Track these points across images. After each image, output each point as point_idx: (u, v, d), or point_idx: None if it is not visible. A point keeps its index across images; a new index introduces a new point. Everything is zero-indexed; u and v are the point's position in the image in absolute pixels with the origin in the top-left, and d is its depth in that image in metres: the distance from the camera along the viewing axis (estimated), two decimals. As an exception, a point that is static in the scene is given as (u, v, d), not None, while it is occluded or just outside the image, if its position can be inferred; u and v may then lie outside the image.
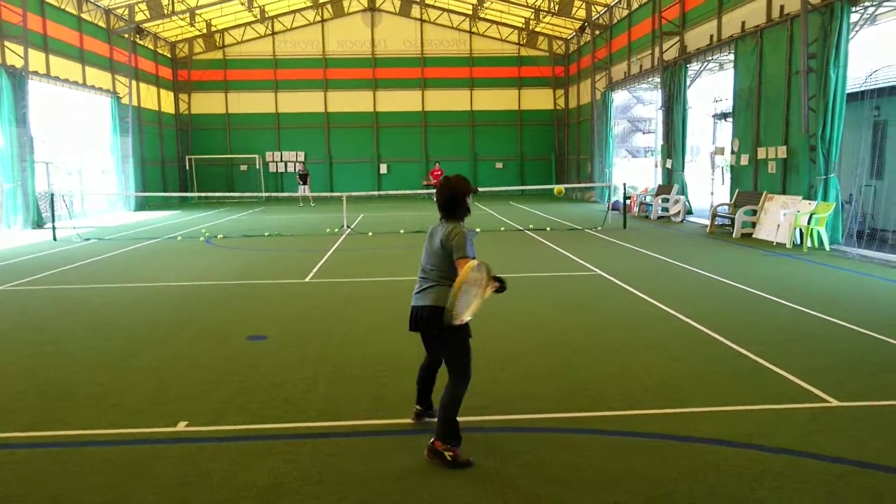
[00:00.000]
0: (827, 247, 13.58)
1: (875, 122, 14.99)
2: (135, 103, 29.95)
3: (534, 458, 4.33)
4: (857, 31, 14.12)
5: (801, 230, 13.99)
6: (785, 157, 15.98)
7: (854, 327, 7.45)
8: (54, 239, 17.60)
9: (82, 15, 26.41)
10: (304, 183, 30.58)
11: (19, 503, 3.87)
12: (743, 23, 17.99)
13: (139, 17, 29.01)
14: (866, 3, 13.55)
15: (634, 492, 3.88)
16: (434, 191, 22.62)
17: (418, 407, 4.91)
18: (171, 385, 5.90)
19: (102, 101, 27.71)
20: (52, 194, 19.58)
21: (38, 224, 21.44)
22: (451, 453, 4.20)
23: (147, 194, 28.82)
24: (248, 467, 4.26)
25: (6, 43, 20.97)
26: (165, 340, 7.45)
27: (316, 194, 29.00)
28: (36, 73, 22.55)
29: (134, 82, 29.85)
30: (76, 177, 27.21)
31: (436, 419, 4.40)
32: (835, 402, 5.21)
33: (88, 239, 17.84)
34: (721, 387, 5.64)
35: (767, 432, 4.65)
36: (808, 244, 13.66)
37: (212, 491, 3.97)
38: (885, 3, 13.60)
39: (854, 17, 13.85)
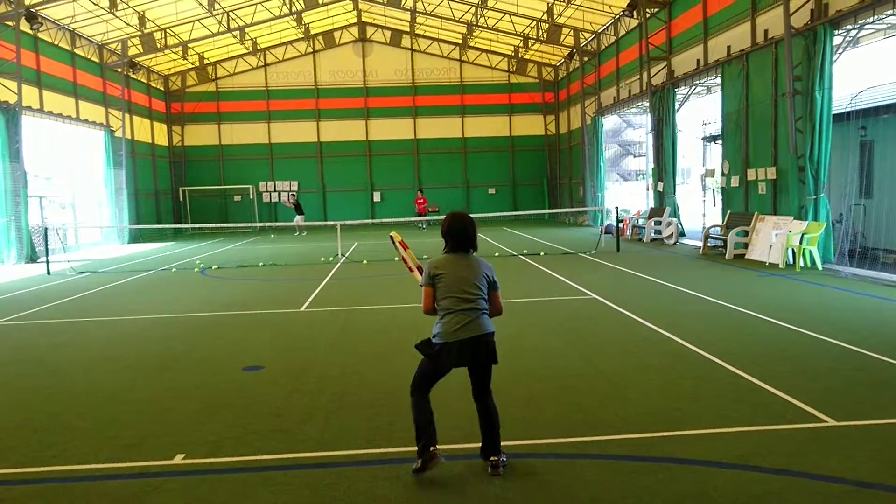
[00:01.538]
0: (819, 266, 13.67)
1: (862, 142, 15.19)
2: (128, 136, 30.10)
3: (531, 483, 4.32)
4: (840, 54, 14.37)
5: (793, 250, 14.09)
6: (774, 177, 16.14)
7: (849, 346, 7.48)
8: (48, 273, 17.55)
9: (75, 50, 26.63)
10: (300, 213, 30.73)
11: (15, 541, 3.83)
12: (728, 47, 18.29)
13: (132, 51, 29.28)
14: (848, 26, 13.81)
15: (634, 516, 3.87)
16: (424, 218, 22.50)
17: (434, 449, 4.42)
18: (167, 417, 5.88)
19: (96, 134, 27.83)
20: (46, 228, 19.57)
21: (32, 258, 21.38)
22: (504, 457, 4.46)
23: (141, 226, 28.83)
24: (246, 499, 4.23)
25: (0, 79, 21.10)
26: (161, 372, 7.43)
27: (309, 223, 29.08)
28: (29, 108, 22.66)
29: (127, 115, 30.03)
30: (70, 210, 27.22)
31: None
32: (832, 422, 5.22)
33: (83, 272, 17.80)
34: (717, 408, 5.65)
35: (764, 453, 4.65)
36: (801, 264, 13.75)
37: (210, 524, 3.94)
38: (866, 26, 13.86)
39: (837, 40, 14.10)
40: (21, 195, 21.23)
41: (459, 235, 4.59)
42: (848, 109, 14.85)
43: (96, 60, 28.38)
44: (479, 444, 4.97)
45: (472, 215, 4.96)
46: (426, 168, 37.60)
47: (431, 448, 4.40)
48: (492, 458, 4.47)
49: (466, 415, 5.67)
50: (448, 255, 4.61)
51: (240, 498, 4.26)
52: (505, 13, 29.50)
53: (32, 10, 21.36)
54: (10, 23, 21.23)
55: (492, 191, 37.89)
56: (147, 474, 4.68)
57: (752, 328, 8.63)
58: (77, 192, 27.36)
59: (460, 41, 35.86)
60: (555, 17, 28.42)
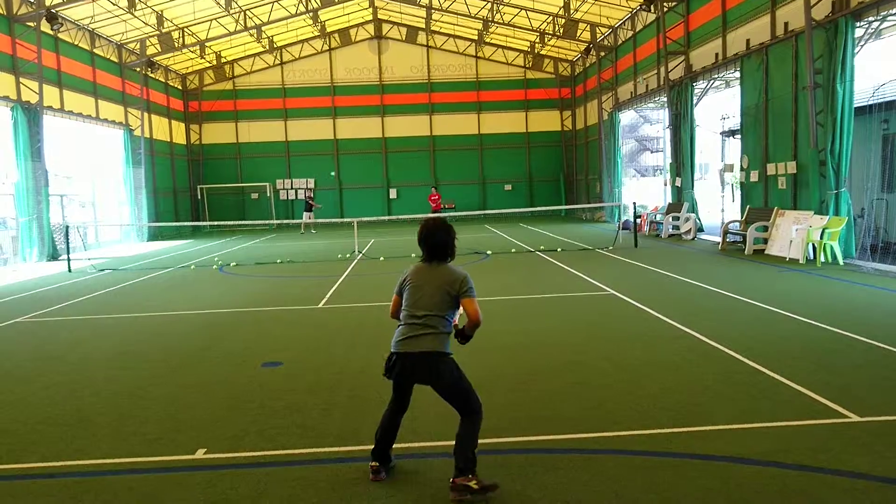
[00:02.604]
0: (840, 261, 13.51)
1: (884, 136, 14.98)
2: (147, 135, 30.37)
3: (553, 479, 4.31)
4: (862, 46, 14.16)
5: (813, 245, 13.93)
6: (795, 172, 15.96)
7: (871, 342, 7.39)
8: (69, 270, 17.77)
9: (95, 50, 26.90)
10: (309, 210, 30.63)
11: (42, 533, 3.88)
12: (748, 40, 18.09)
13: (150, 50, 29.53)
14: (870, 18, 13.61)
15: (655, 511, 3.85)
16: (439, 215, 22.53)
17: (376, 463, 4.39)
18: (188, 413, 5.93)
19: (115, 133, 28.12)
20: (67, 226, 19.81)
21: (54, 256, 21.66)
22: (475, 482, 4.03)
23: (160, 224, 29.11)
24: (267, 493, 4.26)
25: (21, 79, 21.37)
26: (182, 368, 7.49)
27: (326, 220, 29.15)
28: (50, 108, 22.94)
29: (146, 115, 30.30)
30: (90, 209, 27.53)
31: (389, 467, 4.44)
32: (855, 418, 5.16)
33: (103, 270, 18.00)
34: (738, 404, 5.60)
35: (787, 449, 4.61)
36: (822, 259, 13.59)
37: (232, 518, 3.97)
38: (889, 17, 13.65)
39: (859, 32, 13.90)
40: (42, 194, 21.51)
41: (430, 244, 4.38)
42: (870, 102, 14.65)
43: (115, 60, 28.65)
44: (497, 440, 4.98)
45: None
46: (442, 164, 37.60)
47: (371, 462, 4.40)
48: (452, 480, 4.13)
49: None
50: (420, 264, 4.45)
51: (261, 492, 4.28)
52: (521, 9, 29.38)
53: (53, 10, 21.59)
54: (31, 23, 21.49)
55: (508, 187, 37.82)
56: (169, 469, 4.73)
57: (773, 324, 8.54)
58: (97, 190, 27.66)
59: (476, 37, 35.79)
60: (571, 11, 28.27)
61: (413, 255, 18.68)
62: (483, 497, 4.04)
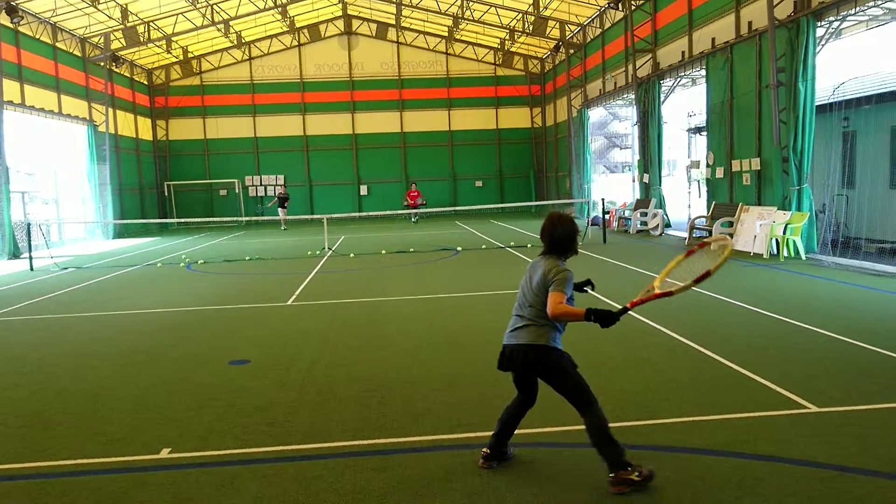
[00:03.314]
0: (803, 256, 13.80)
1: (844, 133, 15.32)
2: (112, 131, 29.80)
3: (520, 472, 4.35)
4: (823, 46, 14.47)
5: (777, 240, 14.21)
6: (759, 168, 16.26)
7: (832, 334, 7.57)
8: (31, 269, 17.38)
9: (57, 44, 26.32)
10: (283, 206, 30.34)
11: (0, 537, 3.81)
12: (713, 39, 18.37)
13: (115, 45, 28.96)
14: (831, 18, 13.90)
15: (622, 502, 3.90)
16: (414, 211, 22.28)
17: (487, 450, 4.45)
18: (153, 412, 5.85)
19: (79, 129, 27.55)
20: (29, 224, 19.37)
21: (15, 254, 21.16)
22: (636, 473, 4.01)
23: (126, 221, 28.58)
24: (232, 492, 4.23)
25: (-20, 73, 20.83)
26: (147, 367, 7.39)
27: (294, 217, 28.92)
28: (10, 102, 22.38)
29: (110, 110, 29.73)
30: (53, 206, 26.96)
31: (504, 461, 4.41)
32: (814, 409, 5.29)
33: (66, 268, 17.65)
34: (703, 397, 5.70)
35: (749, 440, 4.71)
36: (785, 254, 13.87)
37: (197, 517, 3.93)
38: (849, 17, 13.96)
39: (820, 32, 14.20)
40: (3, 191, 20.99)
41: (553, 237, 4.36)
42: (830, 101, 14.97)
43: (78, 54, 28.06)
44: (467, 435, 5.00)
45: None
46: (413, 161, 37.53)
47: (484, 448, 4.41)
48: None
49: (456, 407, 5.69)
50: (537, 258, 4.43)
51: (227, 491, 4.25)
52: (491, 6, 29.43)
53: (12, 3, 21.06)
54: (-11, 16, 20.95)
55: (479, 183, 37.90)
56: (133, 469, 4.66)
57: (738, 318, 8.70)
58: (60, 187, 27.09)
59: (446, 34, 35.77)
60: (540, 9, 28.40)
61: (383, 251, 18.64)
62: (644, 487, 4.02)
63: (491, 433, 4.51)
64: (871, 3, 12.93)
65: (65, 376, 7.17)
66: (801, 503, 3.82)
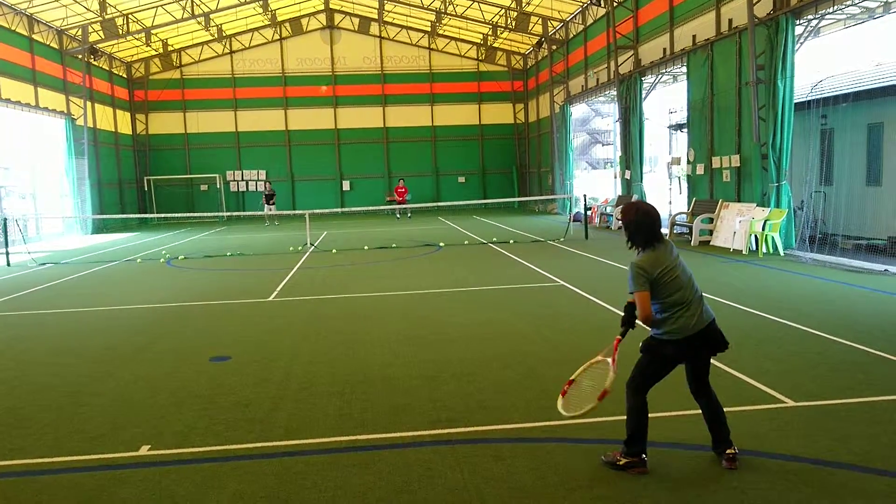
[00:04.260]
0: (781, 252, 13.97)
1: (822, 130, 15.51)
2: (90, 125, 29.42)
3: (500, 468, 4.37)
4: (802, 44, 14.62)
5: (756, 236, 14.36)
6: (738, 165, 16.41)
7: (809, 329, 7.67)
8: (8, 265, 17.14)
9: (34, 36, 25.92)
10: (269, 203, 30.13)
11: (-24, 536, 3.77)
12: (694, 36, 18.49)
13: (93, 37, 28.57)
14: (810, 16, 14.05)
15: (602, 497, 3.94)
16: (399, 207, 22.17)
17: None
18: (132, 409, 5.81)
19: (56, 123, 27.17)
20: (5, 219, 19.09)
21: (-9, 250, 20.84)
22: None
23: (104, 216, 28.27)
24: (213, 489, 4.21)
25: (-46, 65, 20.47)
26: (126, 364, 7.32)
27: (279, 212, 28.77)
28: (-14, 95, 22.03)
29: (89, 103, 29.34)
30: (30, 201, 26.58)
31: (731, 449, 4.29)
32: (791, 403, 5.36)
33: (44, 264, 17.42)
34: (680, 392, 5.73)
35: (727, 434, 4.76)
36: (764, 250, 14.02)
37: (176, 514, 3.92)
38: (827, 16, 14.12)
39: (799, 30, 14.34)
40: (-22, 185, 20.67)
41: (653, 227, 4.29)
42: (809, 98, 15.14)
43: (55, 46, 27.66)
44: (447, 430, 5.01)
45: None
46: (396, 157, 37.44)
47: (644, 455, 4.27)
48: (728, 452, 4.26)
49: (436, 402, 5.70)
50: (654, 251, 4.25)
51: (207, 487, 4.23)
52: (473, 0, 29.41)
53: (-13, -6, 20.72)
54: (-37, 7, 20.58)
55: (461, 179, 37.91)
56: (112, 466, 4.63)
57: (717, 313, 8.74)
58: (37, 181, 26.71)
59: (429, 29, 35.70)
60: (523, 4, 28.43)
61: (365, 247, 18.59)
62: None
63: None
64: (849, 2, 13.07)
65: (42, 373, 7.08)
66: (777, 496, 3.87)
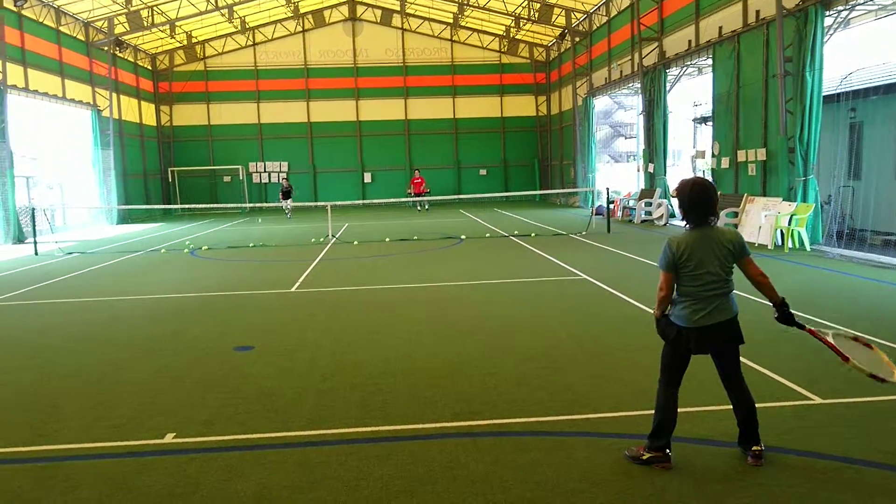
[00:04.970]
0: (808, 247, 13.76)
1: (851, 124, 15.23)
2: (116, 116, 29.77)
3: (523, 461, 4.36)
4: (831, 35, 14.35)
5: (781, 231, 14.16)
6: (764, 159, 16.18)
7: (837, 326, 7.55)
8: (36, 254, 17.43)
9: (61, 28, 26.24)
10: (287, 198, 29.62)
11: (6, 519, 3.84)
12: (720, 28, 18.23)
13: (119, 29, 28.87)
14: (839, 7, 13.78)
15: (624, 492, 3.91)
16: (419, 199, 22.11)
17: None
18: (158, 398, 5.88)
19: (83, 114, 27.53)
20: (34, 209, 19.40)
21: (20, 239, 21.21)
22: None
23: (129, 207, 28.62)
24: (236, 477, 4.25)
25: (-16, 57, 20.79)
26: (151, 353, 7.41)
27: (299, 204, 28.87)
28: (14, 86, 22.36)
29: (114, 95, 29.68)
30: (57, 191, 26.98)
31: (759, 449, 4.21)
32: (818, 400, 5.29)
33: (71, 253, 17.69)
34: (706, 387, 5.68)
35: (752, 430, 4.70)
36: (789, 245, 13.83)
37: (201, 502, 3.96)
38: (857, 7, 13.84)
39: (828, 21, 14.08)
40: (7, 175, 21.01)
41: (707, 205, 4.17)
42: (838, 91, 14.87)
43: (82, 38, 27.98)
44: (470, 423, 5.01)
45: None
46: (417, 149, 37.42)
47: (669, 450, 4.20)
48: (754, 448, 4.20)
49: (457, 395, 5.70)
50: (691, 233, 4.18)
51: (231, 476, 4.27)
52: (496, -8, 29.24)
53: (16, -14, 21.00)
54: (-7, 0, 20.87)
55: (483, 172, 37.81)
56: (138, 453, 4.69)
57: (742, 308, 8.62)
58: (64, 172, 27.09)
59: (451, 21, 35.57)
60: (546, -4, 28.21)
61: (387, 239, 18.63)
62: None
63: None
64: (881, -7, 12.82)
65: (70, 361, 7.19)
66: (804, 494, 3.82)
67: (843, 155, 15.01)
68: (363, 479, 4.17)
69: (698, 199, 4.18)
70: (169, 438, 4.91)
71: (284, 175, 34.60)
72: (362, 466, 4.35)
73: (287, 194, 29.63)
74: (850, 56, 16.41)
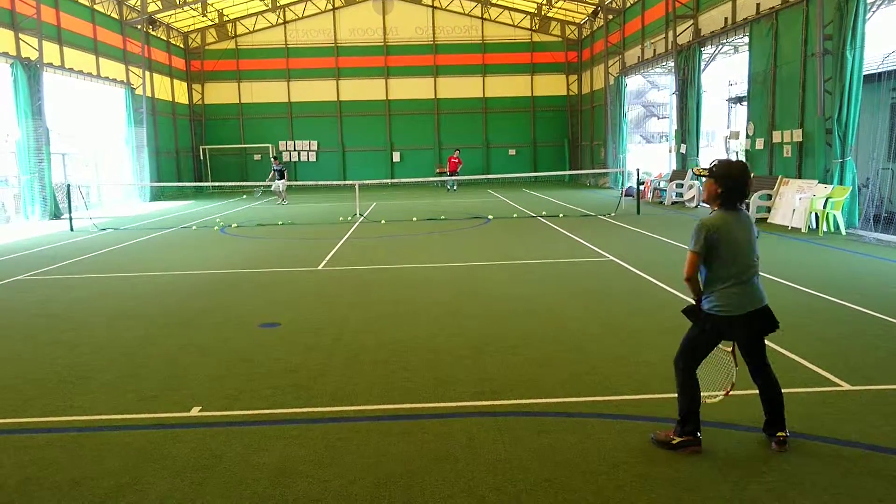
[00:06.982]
0: (843, 231, 13.45)
1: (893, 105, 14.78)
2: (148, 94, 30.12)
3: (543, 441, 4.36)
4: (874, 12, 13.89)
5: (816, 214, 13.86)
6: (800, 140, 15.80)
7: (868, 311, 7.39)
8: (71, 229, 17.80)
9: (95, 6, 26.54)
10: (282, 177, 26.69)
11: (38, 486, 3.95)
12: (758, 4, 17.75)
13: (151, 7, 29.12)
14: (884, -17, 13.33)
15: (643, 475, 3.89)
16: (450, 178, 22.02)
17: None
18: (185, 371, 5.98)
19: (117, 92, 27.90)
20: (69, 185, 19.78)
21: (56, 215, 21.68)
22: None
23: (162, 184, 29.04)
24: (260, 451, 4.32)
25: (21, 35, 21.13)
26: (180, 328, 7.54)
27: (327, 182, 28.72)
28: (50, 64, 22.72)
29: (147, 73, 30.00)
30: (92, 168, 27.45)
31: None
32: (847, 386, 5.19)
33: (105, 229, 18.03)
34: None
35: (778, 416, 4.63)
36: (824, 228, 13.53)
37: (225, 473, 4.03)
38: (903, -17, 13.38)
39: (871, -2, 13.64)
40: (44, 152, 21.44)
41: (746, 187, 4.14)
42: (879, 70, 14.41)
43: (116, 17, 28.27)
44: (491, 402, 5.01)
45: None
46: (446, 128, 37.28)
47: (699, 433, 4.17)
48: (779, 434, 4.16)
49: (479, 375, 5.71)
50: (723, 215, 4.12)
51: (254, 450, 4.34)
52: (528, -31, 28.80)
53: (51, -35, 21.24)
54: (29, -22, 21.16)
55: (512, 152, 37.55)
56: (164, 426, 4.79)
57: (773, 293, 8.45)
58: (99, 149, 27.53)
59: (482, -2, 35.19)
60: (579, -27, 27.71)
61: (414, 218, 18.64)
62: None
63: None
64: (928, -32, 12.35)
65: (102, 335, 7.35)
66: (829, 481, 3.76)
67: (884, 136, 14.59)
68: (384, 456, 4.20)
69: (741, 180, 4.12)
70: (195, 412, 5.01)
71: (274, 155, 32.93)
72: (384, 443, 4.39)
73: (281, 174, 26.56)
74: (892, 34, 15.83)
